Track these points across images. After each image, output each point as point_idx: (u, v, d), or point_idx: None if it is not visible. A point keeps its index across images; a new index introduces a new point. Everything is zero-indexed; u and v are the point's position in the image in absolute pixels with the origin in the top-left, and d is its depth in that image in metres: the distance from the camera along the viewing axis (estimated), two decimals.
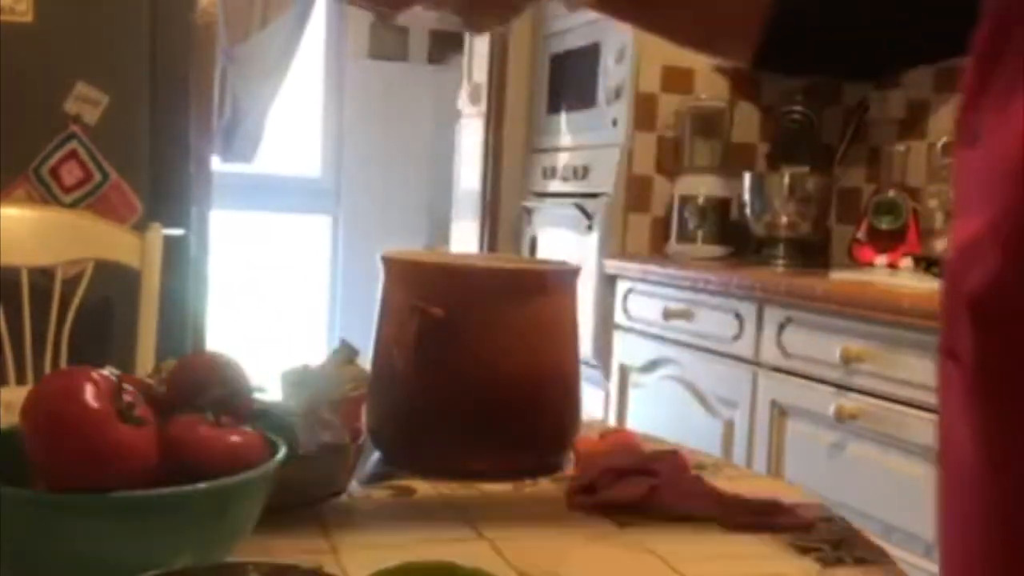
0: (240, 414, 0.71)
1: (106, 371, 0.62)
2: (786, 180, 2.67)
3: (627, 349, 2.84)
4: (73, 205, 2.27)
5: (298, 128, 4.65)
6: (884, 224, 2.53)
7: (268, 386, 0.80)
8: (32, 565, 0.59)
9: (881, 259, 2.50)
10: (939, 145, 2.52)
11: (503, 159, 3.53)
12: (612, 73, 3.01)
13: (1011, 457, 0.60)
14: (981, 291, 0.59)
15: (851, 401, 2.02)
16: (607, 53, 3.04)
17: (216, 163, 3.51)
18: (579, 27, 3.21)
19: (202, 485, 0.60)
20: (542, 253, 3.29)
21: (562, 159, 3.27)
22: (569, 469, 0.95)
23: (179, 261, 2.34)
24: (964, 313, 0.61)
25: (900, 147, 2.60)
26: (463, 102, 3.71)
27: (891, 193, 2.54)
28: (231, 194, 4.14)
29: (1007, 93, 0.56)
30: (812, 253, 2.73)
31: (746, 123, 3.06)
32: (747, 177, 2.76)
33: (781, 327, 2.24)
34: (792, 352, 2.20)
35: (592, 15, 3.13)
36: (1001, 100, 0.56)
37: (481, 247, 3.54)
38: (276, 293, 4.67)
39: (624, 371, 2.85)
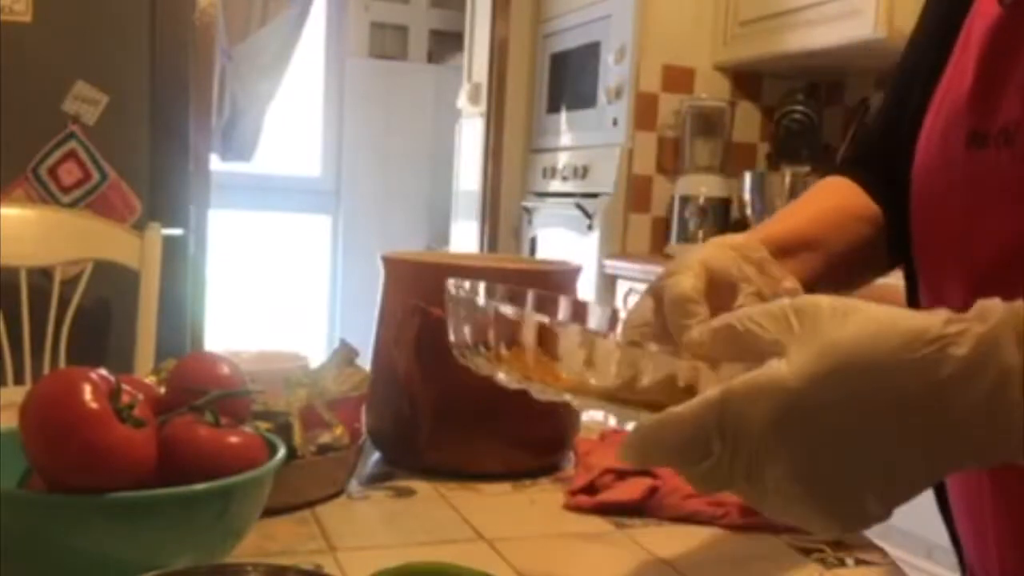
0: (240, 414, 0.70)
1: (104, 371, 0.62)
2: (787, 180, 2.66)
3: None
4: (72, 205, 2.27)
5: (298, 128, 4.65)
6: None
7: (267, 386, 0.80)
8: (32, 565, 0.58)
9: None
10: None
11: (503, 159, 3.53)
12: (612, 72, 3.01)
13: None
14: None
15: None
16: (607, 52, 3.03)
17: (215, 162, 3.51)
18: (579, 26, 3.21)
19: (202, 485, 0.59)
20: (542, 253, 3.29)
21: (562, 159, 3.27)
22: (569, 469, 0.94)
23: (178, 261, 2.34)
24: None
25: None
26: (463, 102, 3.70)
27: None
28: (231, 194, 4.15)
29: None
30: None
31: (747, 123, 3.06)
32: (748, 177, 2.76)
33: None
34: None
35: (594, 13, 3.13)
36: None
37: (481, 247, 3.54)
38: (276, 293, 4.67)
39: None
